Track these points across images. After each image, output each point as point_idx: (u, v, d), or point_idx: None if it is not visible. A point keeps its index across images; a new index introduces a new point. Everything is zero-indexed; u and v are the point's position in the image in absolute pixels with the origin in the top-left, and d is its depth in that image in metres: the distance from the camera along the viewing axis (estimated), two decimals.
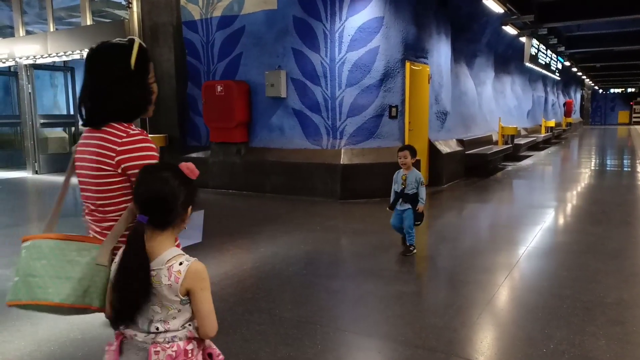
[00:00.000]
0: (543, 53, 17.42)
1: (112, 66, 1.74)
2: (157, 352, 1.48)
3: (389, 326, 3.39)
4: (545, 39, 17.57)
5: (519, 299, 3.96)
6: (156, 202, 1.51)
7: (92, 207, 1.80)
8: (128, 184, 1.72)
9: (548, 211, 7.25)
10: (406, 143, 8.69)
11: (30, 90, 11.90)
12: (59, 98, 14.47)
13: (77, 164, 1.83)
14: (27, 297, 1.64)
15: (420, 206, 4.84)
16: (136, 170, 1.65)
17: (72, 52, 10.61)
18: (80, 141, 1.84)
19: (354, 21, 8.05)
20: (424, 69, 9.19)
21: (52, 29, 11.13)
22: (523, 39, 15.14)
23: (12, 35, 12.06)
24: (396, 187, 4.96)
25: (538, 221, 6.53)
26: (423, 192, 4.86)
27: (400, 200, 4.89)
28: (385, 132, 8.36)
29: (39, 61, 11.59)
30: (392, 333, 3.27)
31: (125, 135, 1.70)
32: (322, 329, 3.32)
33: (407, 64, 8.54)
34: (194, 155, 9.52)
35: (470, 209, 7.97)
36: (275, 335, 3.23)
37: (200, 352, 1.61)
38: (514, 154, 14.00)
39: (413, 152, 4.92)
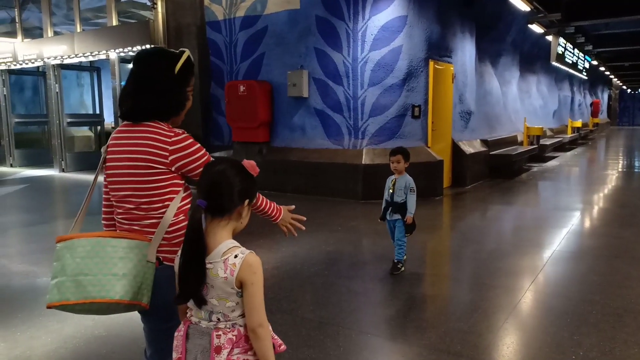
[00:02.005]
0: (570, 52, 17.06)
1: (159, 68, 1.88)
2: (218, 336, 1.54)
3: (413, 329, 3.34)
4: (572, 38, 17.20)
5: (546, 303, 3.86)
6: (212, 186, 1.58)
7: (131, 206, 1.84)
8: (177, 181, 1.85)
9: (575, 214, 7.08)
10: (429, 144, 8.61)
11: (57, 90, 12.14)
12: (86, 97, 14.74)
13: (111, 164, 1.88)
14: (77, 296, 1.65)
15: (409, 217, 4.35)
16: (191, 167, 1.82)
17: (98, 52, 10.79)
18: (114, 141, 1.88)
19: (377, 20, 7.99)
20: (447, 68, 9.08)
21: (79, 30, 11.33)
22: (549, 38, 14.85)
23: (41, 36, 12.31)
24: (386, 194, 4.51)
25: (565, 224, 6.38)
26: (412, 201, 4.35)
27: (390, 209, 4.46)
28: (408, 132, 8.28)
29: (66, 61, 11.81)
30: (416, 337, 3.22)
31: (173, 135, 1.82)
32: (344, 331, 3.29)
33: (431, 63, 8.45)
34: (216, 154, 9.58)
35: (494, 210, 7.83)
36: (297, 336, 3.21)
37: None
38: (540, 154, 13.74)
39: (406, 156, 4.44)
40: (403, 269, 4.48)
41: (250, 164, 1.68)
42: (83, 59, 11.58)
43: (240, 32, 9.33)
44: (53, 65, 11.95)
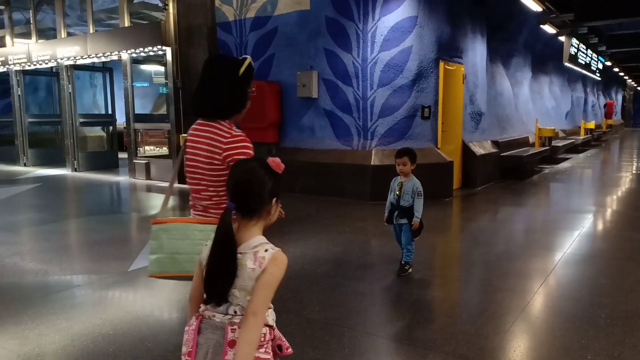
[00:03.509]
0: (583, 52, 16.87)
1: (227, 71, 2.18)
2: (233, 330, 1.55)
3: (419, 331, 3.32)
4: (586, 38, 17.00)
5: (555, 307, 3.82)
6: (243, 188, 1.62)
7: (204, 194, 2.15)
8: None
9: (587, 216, 7.00)
10: (439, 145, 8.57)
11: (70, 90, 12.28)
12: (99, 98, 14.87)
13: (189, 157, 2.18)
14: (175, 270, 2.03)
15: (415, 222, 4.26)
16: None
17: (111, 53, 10.87)
18: (191, 137, 2.19)
19: (387, 21, 7.97)
20: (458, 68, 9.03)
21: (91, 31, 11.44)
22: (562, 38, 14.69)
23: (55, 37, 12.44)
24: (391, 196, 4.41)
25: (576, 226, 6.31)
26: (419, 205, 4.26)
27: (397, 213, 4.37)
28: (418, 133, 8.25)
29: (79, 62, 11.93)
30: (422, 338, 3.21)
31: (229, 135, 2.11)
32: (350, 332, 3.28)
33: (441, 64, 8.41)
34: None
35: (504, 212, 7.78)
36: (303, 336, 3.21)
37: (271, 342, 1.67)
38: (552, 156, 13.60)
39: (413, 157, 4.33)
40: (410, 270, 4.46)
41: (275, 162, 1.70)
42: (96, 60, 11.69)
43: (251, 33, 9.36)
44: (66, 65, 12.09)
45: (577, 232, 5.99)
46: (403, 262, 4.45)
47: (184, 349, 1.62)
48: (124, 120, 11.55)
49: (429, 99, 8.29)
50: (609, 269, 4.65)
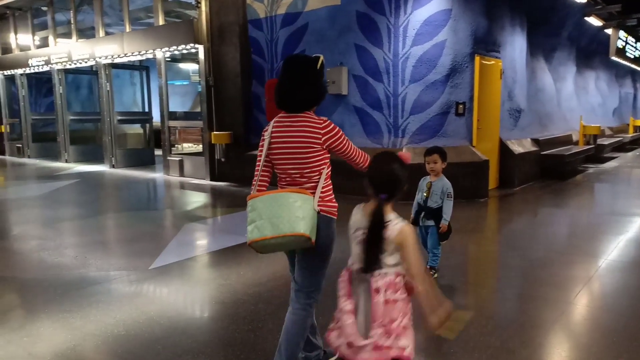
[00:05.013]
0: (632, 46, 15.97)
1: (308, 67, 2.47)
2: (376, 281, 2.09)
3: (439, 342, 3.12)
4: (634, 31, 16.09)
5: (592, 319, 3.53)
6: (389, 183, 2.13)
7: (297, 176, 2.46)
8: (326, 155, 2.50)
9: (633, 219, 6.55)
10: (474, 143, 8.24)
11: (108, 88, 12.55)
12: (139, 96, 15.13)
13: (276, 145, 2.46)
14: (273, 232, 2.26)
15: (444, 224, 4.05)
16: (336, 144, 2.47)
17: (146, 51, 11.02)
18: (276, 128, 2.47)
19: (419, 14, 7.71)
20: (495, 63, 8.66)
21: (128, 30, 11.63)
22: (609, 31, 13.94)
23: (94, 36, 12.73)
24: (419, 197, 4.19)
25: (620, 230, 5.91)
26: (448, 207, 4.05)
27: (423, 214, 4.16)
28: (451, 131, 7.95)
29: (116, 60, 12.16)
30: (442, 350, 3.01)
31: (322, 122, 2.44)
32: None
33: (477, 58, 8.08)
34: (256, 152, 9.54)
35: (542, 214, 7.39)
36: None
37: (403, 286, 2.14)
38: (597, 155, 12.93)
39: (444, 155, 4.11)
40: (436, 275, 4.24)
41: (406, 156, 2.27)
42: (132, 58, 11.89)
43: (281, 30, 9.27)
44: (104, 64, 12.35)
45: (622, 237, 5.59)
46: (428, 267, 4.22)
47: (341, 292, 2.21)
48: (158, 118, 11.67)
49: (463, 95, 7.97)
50: None
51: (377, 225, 2.05)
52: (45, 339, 3.18)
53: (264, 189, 2.56)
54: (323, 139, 2.43)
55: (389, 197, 2.10)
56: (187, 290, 4.15)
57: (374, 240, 2.06)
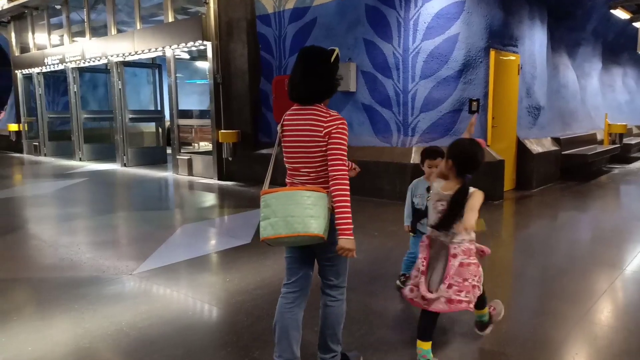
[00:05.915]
0: None
1: (321, 60, 2.44)
2: (454, 247, 2.58)
3: (438, 352, 2.82)
4: None
5: (603, 337, 3.17)
6: (471, 161, 2.59)
7: (306, 170, 2.42)
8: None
9: None
10: (488, 142, 7.83)
11: (120, 87, 12.49)
12: (151, 94, 15.06)
13: (287, 139, 2.45)
14: (287, 231, 2.25)
15: None
16: (332, 135, 2.33)
17: (155, 49, 10.90)
18: (288, 121, 2.45)
19: (430, 7, 7.36)
20: (512, 58, 8.24)
21: (138, 27, 11.54)
22: (637, 25, 13.26)
23: (107, 35, 12.69)
24: (417, 201, 3.83)
25: None
26: None
27: (423, 220, 3.67)
28: (464, 129, 7.52)
29: (128, 58, 12.08)
30: None
31: (328, 115, 2.38)
32: (373, 353, 2.83)
33: (492, 53, 7.68)
34: (264, 151, 9.34)
35: (561, 218, 6.96)
36: (314, 356, 2.80)
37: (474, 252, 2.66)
38: (623, 155, 12.31)
39: (444, 157, 3.78)
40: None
41: (482, 141, 2.71)
42: (143, 56, 11.79)
43: (290, 25, 9.01)
44: (116, 62, 12.30)
45: None
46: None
47: (421, 255, 2.69)
48: (168, 116, 11.56)
49: (477, 92, 7.59)
50: None
51: (462, 200, 2.49)
52: (51, 339, 2.99)
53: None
54: (324, 132, 2.33)
55: (465, 173, 2.60)
56: (171, 293, 3.93)
57: (457, 211, 2.51)
